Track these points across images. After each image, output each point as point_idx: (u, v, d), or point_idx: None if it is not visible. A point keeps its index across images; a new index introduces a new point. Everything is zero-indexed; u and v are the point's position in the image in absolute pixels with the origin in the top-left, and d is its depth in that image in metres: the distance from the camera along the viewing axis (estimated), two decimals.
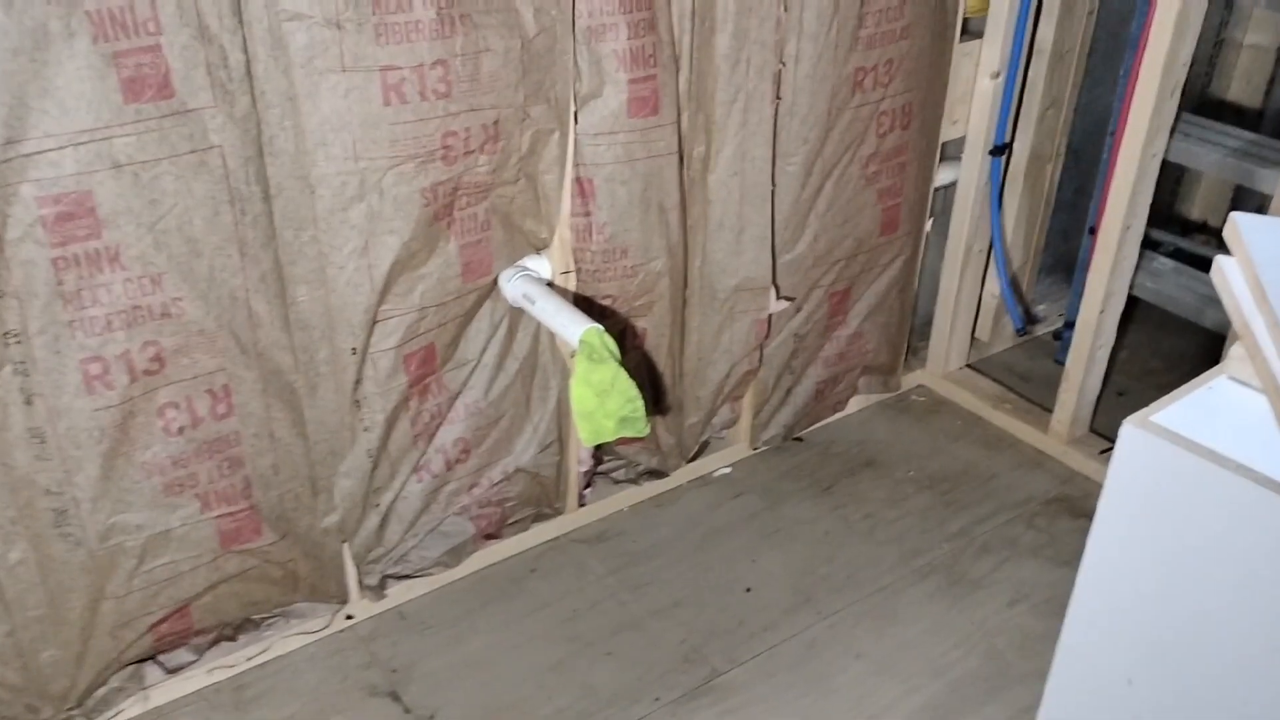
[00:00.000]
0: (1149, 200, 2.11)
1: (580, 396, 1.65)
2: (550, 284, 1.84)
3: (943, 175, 2.40)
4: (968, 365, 2.70)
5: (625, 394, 1.65)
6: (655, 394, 2.10)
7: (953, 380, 2.63)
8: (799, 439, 2.45)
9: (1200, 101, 3.06)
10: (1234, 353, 1.09)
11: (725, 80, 1.84)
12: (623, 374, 1.64)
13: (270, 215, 1.48)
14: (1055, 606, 1.98)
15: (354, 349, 1.63)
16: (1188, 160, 2.22)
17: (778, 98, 1.93)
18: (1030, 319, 2.79)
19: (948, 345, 2.61)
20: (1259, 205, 2.43)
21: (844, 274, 2.25)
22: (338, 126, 1.45)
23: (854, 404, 2.55)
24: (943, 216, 2.50)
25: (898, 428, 2.51)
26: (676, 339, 2.06)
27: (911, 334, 2.60)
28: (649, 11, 1.69)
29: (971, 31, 2.26)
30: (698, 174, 1.92)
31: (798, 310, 2.22)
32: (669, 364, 2.08)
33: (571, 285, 1.87)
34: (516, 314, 1.84)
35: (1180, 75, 1.98)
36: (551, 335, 1.87)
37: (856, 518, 2.22)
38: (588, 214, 1.81)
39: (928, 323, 2.68)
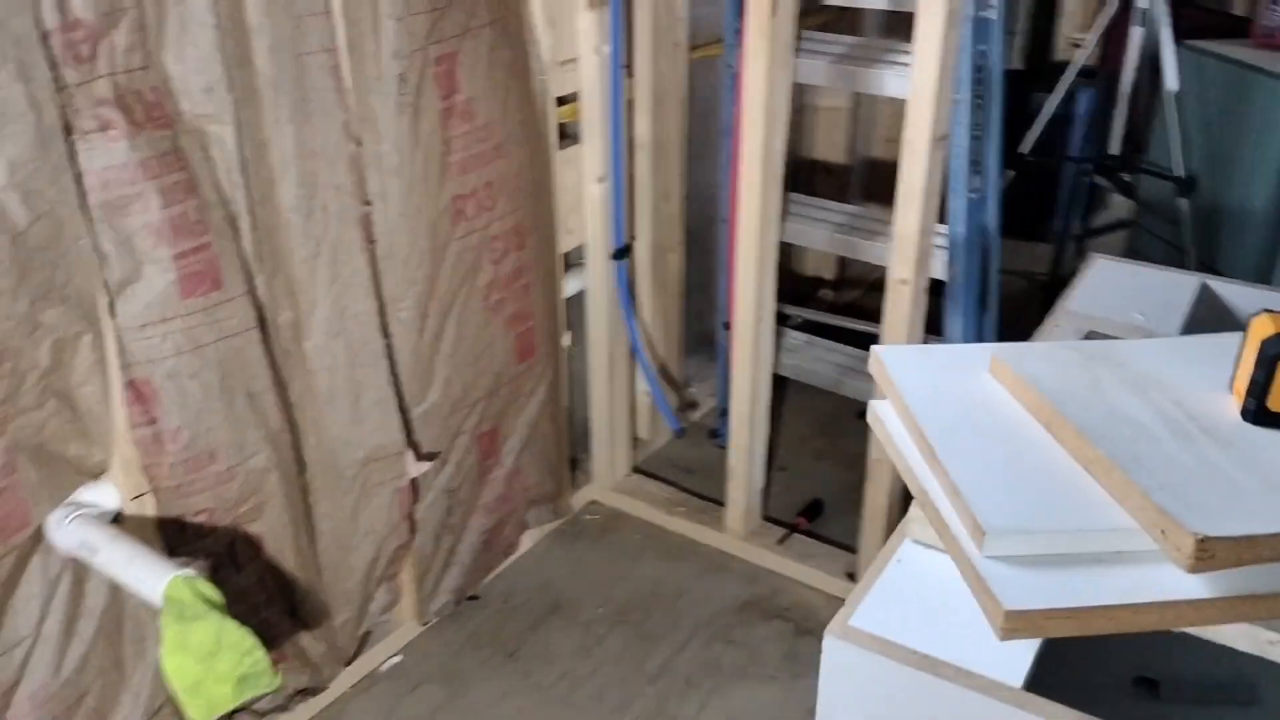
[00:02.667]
0: (774, 290, 2.07)
1: (178, 668, 1.28)
2: (119, 517, 1.46)
3: (570, 285, 2.26)
4: (635, 470, 2.57)
5: (238, 648, 1.30)
6: (290, 605, 1.75)
7: (623, 490, 2.48)
8: (474, 597, 2.18)
9: (793, 164, 3.17)
10: (912, 514, 0.97)
11: (300, 234, 1.56)
12: (230, 624, 1.30)
13: None
14: None
15: None
16: (799, 240, 2.23)
17: (371, 241, 1.68)
18: (686, 406, 2.72)
19: (610, 455, 2.46)
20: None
21: (488, 413, 2.03)
22: None
23: (527, 539, 2.32)
24: (579, 326, 2.36)
25: (576, 556, 2.31)
26: (303, 535, 1.73)
27: (573, 449, 2.43)
28: (184, 172, 1.38)
29: (570, 136, 2.13)
30: (290, 343, 1.62)
31: (444, 464, 1.96)
32: (300, 565, 1.74)
33: (149, 510, 1.49)
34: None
35: (779, 165, 1.96)
36: None
37: (550, 681, 1.98)
38: (153, 421, 1.45)
39: (586, 434, 2.52)
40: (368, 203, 1.65)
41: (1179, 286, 1.56)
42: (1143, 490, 0.81)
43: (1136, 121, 2.64)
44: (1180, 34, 2.42)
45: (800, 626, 2.12)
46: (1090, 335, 1.25)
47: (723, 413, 2.66)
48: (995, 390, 1.01)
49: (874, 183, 3.51)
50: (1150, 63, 2.56)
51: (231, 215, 1.47)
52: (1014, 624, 0.78)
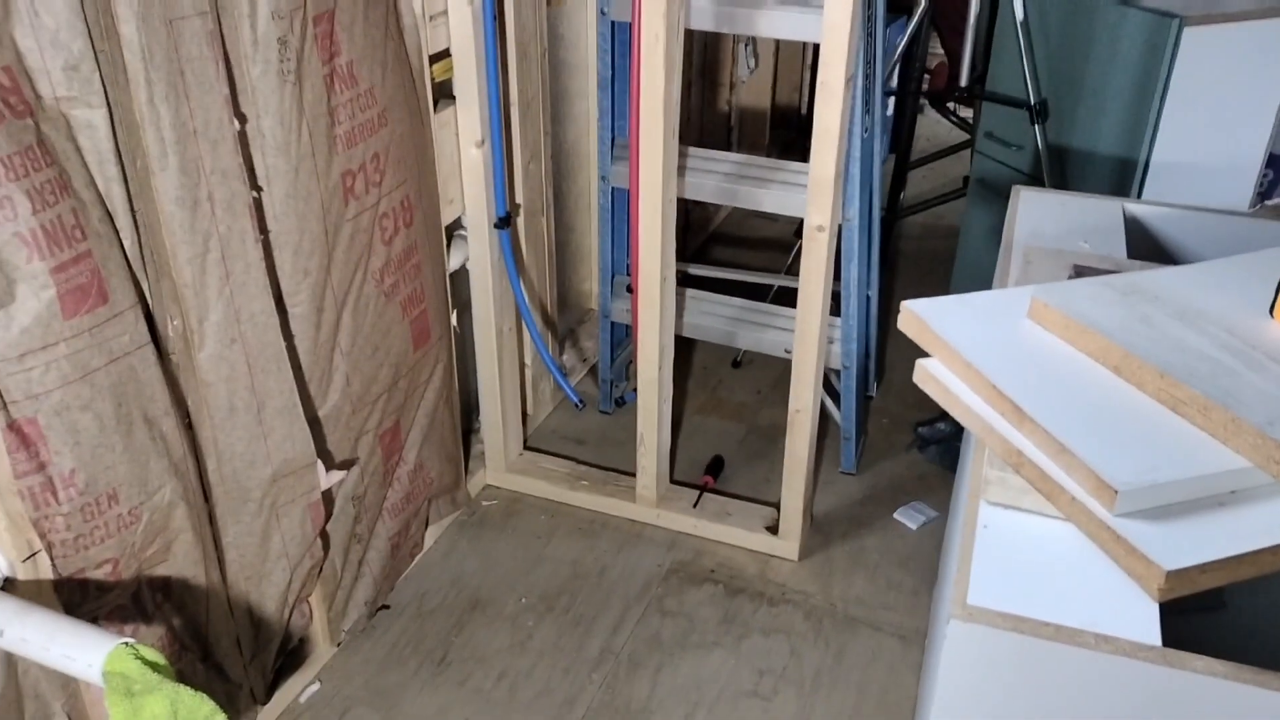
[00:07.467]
0: (675, 247, 1.99)
1: None
2: (8, 584, 1.23)
3: (453, 260, 2.10)
4: (527, 447, 2.45)
5: (197, 714, 1.12)
6: (203, 650, 1.55)
7: (518, 471, 2.36)
8: (386, 606, 2.02)
9: None
10: (989, 476, 0.92)
11: (185, 229, 1.35)
12: (184, 691, 1.11)
13: None
14: (727, 702, 1.81)
15: None
16: (693, 194, 2.15)
17: (263, 232, 1.48)
18: (563, 371, 2.61)
19: (503, 436, 2.33)
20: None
21: (389, 408, 1.86)
22: None
23: (429, 536, 2.17)
24: (460, 299, 2.20)
25: (484, 547, 2.18)
26: (214, 570, 1.53)
27: (465, 433, 2.28)
28: (53, 168, 1.15)
29: (443, 97, 1.96)
30: (182, 355, 1.41)
31: (349, 469, 1.79)
32: (212, 604, 1.54)
33: (44, 571, 1.27)
34: None
35: (676, 116, 1.87)
36: None
37: (489, 684, 1.86)
38: (43, 467, 1.22)
39: (470, 415, 2.38)
40: (258, 188, 1.45)
41: (1100, 210, 1.59)
42: (1256, 427, 0.80)
43: (976, 53, 2.71)
44: None
45: (730, 587, 2.09)
46: (1079, 269, 1.24)
47: (606, 380, 2.58)
48: (1043, 336, 0.98)
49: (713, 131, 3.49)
50: None
51: (109, 214, 1.25)
52: (1173, 584, 0.75)
